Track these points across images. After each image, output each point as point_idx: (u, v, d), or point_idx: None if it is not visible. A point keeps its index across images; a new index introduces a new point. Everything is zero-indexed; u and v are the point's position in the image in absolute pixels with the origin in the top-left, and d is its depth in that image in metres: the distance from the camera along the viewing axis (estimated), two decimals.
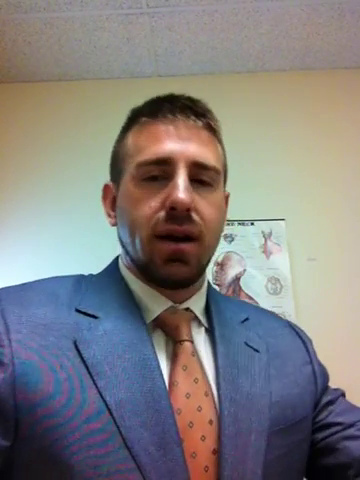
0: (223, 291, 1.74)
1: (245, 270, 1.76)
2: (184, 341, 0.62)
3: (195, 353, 0.62)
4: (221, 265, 1.78)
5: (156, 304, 0.65)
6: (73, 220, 1.83)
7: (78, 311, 0.61)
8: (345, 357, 1.63)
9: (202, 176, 0.64)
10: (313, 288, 1.75)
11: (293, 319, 1.68)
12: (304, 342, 0.75)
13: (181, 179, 0.61)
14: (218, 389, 0.60)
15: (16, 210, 1.88)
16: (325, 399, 0.71)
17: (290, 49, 1.90)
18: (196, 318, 0.68)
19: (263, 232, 1.80)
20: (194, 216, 0.61)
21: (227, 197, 0.76)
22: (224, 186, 0.73)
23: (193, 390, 0.58)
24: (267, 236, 1.80)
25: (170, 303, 0.66)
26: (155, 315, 0.64)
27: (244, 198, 1.85)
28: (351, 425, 0.67)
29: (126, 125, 0.71)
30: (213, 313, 0.69)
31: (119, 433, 0.51)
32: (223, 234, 1.84)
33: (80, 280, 0.68)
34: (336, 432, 0.67)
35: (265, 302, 1.70)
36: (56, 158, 1.92)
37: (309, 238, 1.81)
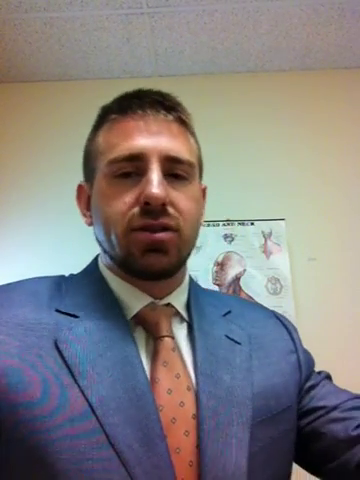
0: (223, 291, 1.74)
1: (245, 270, 1.76)
2: (164, 337, 0.62)
3: (176, 348, 0.62)
4: (221, 265, 1.78)
5: (135, 301, 0.65)
6: (73, 219, 1.83)
7: (58, 311, 0.61)
8: (345, 357, 1.63)
9: (176, 170, 0.64)
10: (313, 288, 1.75)
11: (293, 319, 1.68)
12: (289, 331, 0.75)
13: (154, 174, 0.61)
14: (197, 384, 0.59)
15: (16, 210, 1.88)
16: (308, 384, 0.71)
17: (290, 49, 1.90)
18: (178, 313, 0.67)
19: (263, 232, 1.80)
20: (170, 210, 0.61)
21: (204, 190, 0.75)
22: (200, 179, 0.72)
23: (175, 386, 0.58)
24: (267, 236, 1.80)
25: (150, 299, 0.65)
26: (134, 312, 0.64)
27: (244, 198, 1.85)
28: (334, 407, 0.67)
29: (96, 123, 0.70)
30: (193, 308, 0.68)
31: (102, 430, 0.52)
32: (223, 234, 1.85)
33: (60, 281, 0.68)
34: (320, 416, 0.67)
35: (265, 302, 1.70)
36: (56, 158, 1.92)
37: (309, 238, 1.81)
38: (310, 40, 1.86)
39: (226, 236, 1.82)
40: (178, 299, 0.68)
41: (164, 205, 0.60)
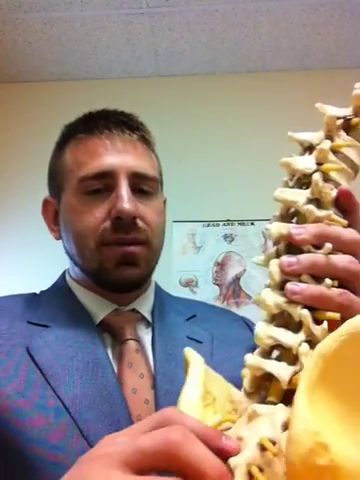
0: (223, 291, 1.74)
1: (245, 270, 1.77)
2: (128, 340, 0.65)
3: (140, 350, 0.66)
4: (221, 265, 1.78)
5: (100, 309, 0.68)
6: None
7: (30, 323, 0.65)
8: None
9: (142, 186, 0.68)
10: None
11: None
12: (253, 332, 0.79)
13: (124, 190, 0.65)
14: (156, 384, 0.63)
15: (17, 209, 1.88)
16: None
17: (290, 49, 1.90)
18: (144, 318, 0.71)
19: (263, 232, 1.80)
20: (139, 223, 0.66)
21: (165, 201, 0.80)
22: (161, 191, 0.77)
23: (139, 385, 0.62)
24: (267, 236, 1.80)
25: (114, 306, 0.69)
26: (100, 319, 0.67)
27: (244, 198, 1.85)
28: None
29: (61, 141, 0.74)
30: (155, 313, 0.72)
31: (76, 426, 0.55)
32: (223, 234, 1.85)
33: (32, 297, 0.72)
34: None
35: None
36: None
37: None
38: (310, 40, 1.85)
39: (226, 236, 1.82)
40: (143, 305, 0.72)
41: (134, 219, 0.64)
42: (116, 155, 0.67)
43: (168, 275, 1.72)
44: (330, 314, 0.36)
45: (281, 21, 1.75)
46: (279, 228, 0.38)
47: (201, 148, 1.92)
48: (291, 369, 0.34)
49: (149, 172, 0.69)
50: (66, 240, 0.70)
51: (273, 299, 0.37)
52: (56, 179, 0.73)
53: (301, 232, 0.38)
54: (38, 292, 0.75)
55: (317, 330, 0.35)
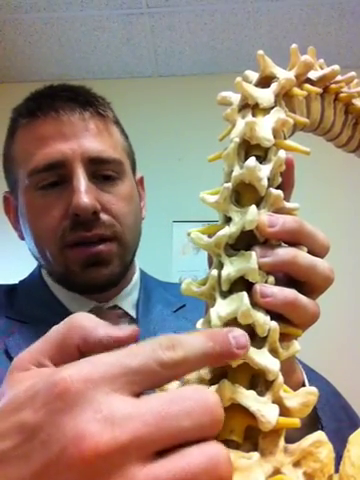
0: None
1: None
2: None
3: None
4: None
5: (78, 307, 0.61)
6: None
7: (8, 318, 0.60)
8: (345, 357, 1.63)
9: (103, 171, 0.59)
10: None
11: None
12: None
13: (79, 182, 0.56)
14: None
15: None
16: None
17: (290, 49, 1.90)
18: (127, 315, 0.64)
19: None
20: (103, 217, 0.57)
21: (141, 180, 0.70)
22: (133, 171, 0.67)
23: None
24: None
25: (93, 303, 0.62)
26: None
27: None
28: None
29: (11, 127, 0.64)
30: (140, 308, 0.65)
31: None
32: None
33: (11, 289, 0.67)
34: None
35: None
36: None
37: None
38: (310, 40, 1.85)
39: None
40: (125, 299, 0.65)
41: (95, 213, 0.56)
42: (66, 141, 0.57)
43: (168, 275, 1.72)
44: (293, 330, 0.28)
45: (281, 21, 1.75)
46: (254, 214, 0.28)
47: (201, 148, 1.92)
48: (275, 407, 0.24)
49: (109, 154, 0.59)
50: (28, 241, 0.63)
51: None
52: (11, 172, 0.63)
53: (276, 224, 0.29)
54: (18, 282, 0.69)
55: (283, 353, 0.27)
